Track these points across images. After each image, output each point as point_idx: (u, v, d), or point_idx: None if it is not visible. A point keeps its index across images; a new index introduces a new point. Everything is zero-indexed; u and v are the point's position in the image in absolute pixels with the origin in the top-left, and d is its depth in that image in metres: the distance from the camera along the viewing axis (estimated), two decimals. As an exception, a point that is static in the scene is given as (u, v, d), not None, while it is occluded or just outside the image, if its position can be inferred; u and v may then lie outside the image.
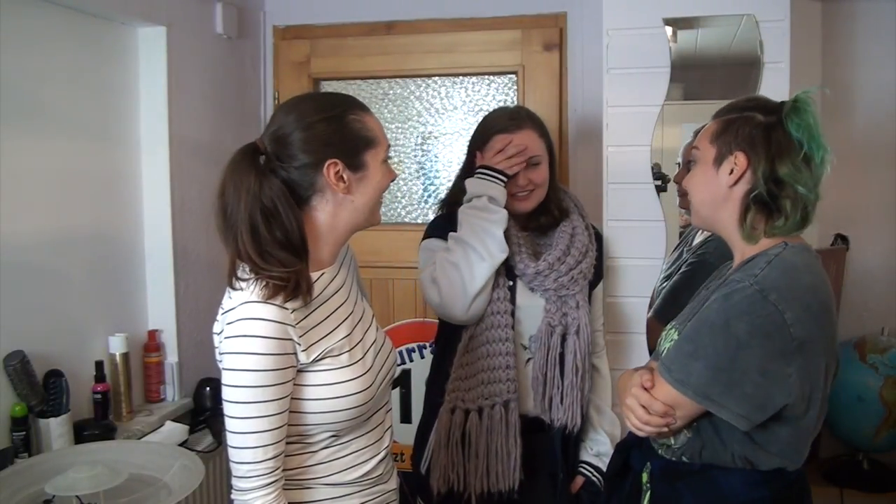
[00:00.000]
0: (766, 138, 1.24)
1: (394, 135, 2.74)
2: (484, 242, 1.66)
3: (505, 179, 1.70)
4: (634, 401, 1.27)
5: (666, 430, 1.25)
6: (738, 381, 1.17)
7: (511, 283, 1.74)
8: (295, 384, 1.19)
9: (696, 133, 1.40)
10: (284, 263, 1.15)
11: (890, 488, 2.33)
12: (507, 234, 1.74)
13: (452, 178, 1.95)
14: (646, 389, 1.26)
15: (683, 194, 1.39)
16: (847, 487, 2.31)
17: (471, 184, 1.72)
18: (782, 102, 1.28)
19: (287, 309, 1.15)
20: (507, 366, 1.70)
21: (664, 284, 2.11)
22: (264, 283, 1.14)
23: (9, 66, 1.75)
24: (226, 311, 1.17)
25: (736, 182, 1.26)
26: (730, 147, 1.26)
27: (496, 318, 1.70)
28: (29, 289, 1.81)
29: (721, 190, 1.28)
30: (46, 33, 1.87)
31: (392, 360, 1.38)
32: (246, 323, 1.14)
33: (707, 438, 1.25)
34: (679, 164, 2.11)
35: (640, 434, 1.29)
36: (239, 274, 1.17)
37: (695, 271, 2.00)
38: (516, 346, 1.73)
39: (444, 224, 1.79)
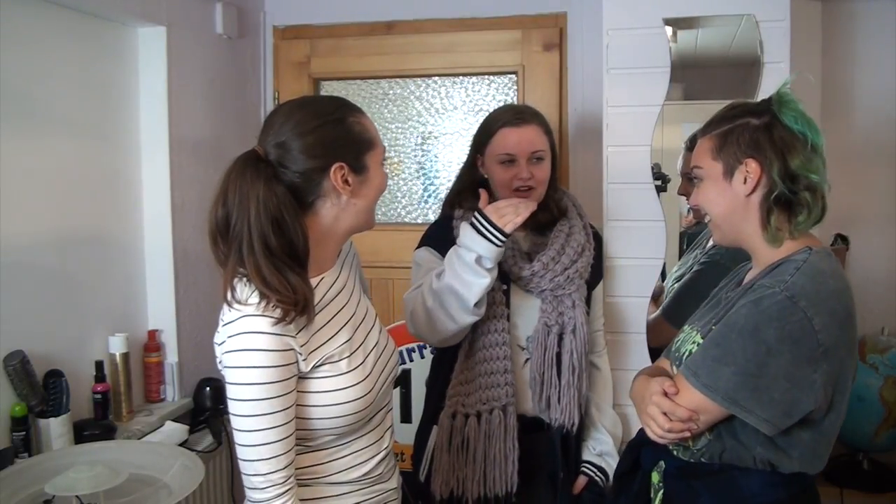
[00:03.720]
0: (769, 138, 1.24)
1: (394, 135, 2.74)
2: (458, 304, 1.57)
3: (504, 239, 1.54)
4: (656, 409, 1.25)
5: (688, 435, 1.24)
6: (767, 387, 1.16)
7: (505, 286, 1.73)
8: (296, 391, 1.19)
9: (689, 141, 1.40)
10: (294, 288, 1.14)
11: (890, 488, 2.32)
12: None
13: (452, 178, 1.95)
14: (666, 395, 1.24)
15: (695, 208, 1.39)
16: (847, 487, 2.30)
17: (464, 230, 1.57)
18: (765, 101, 1.28)
19: (286, 320, 1.14)
20: (504, 370, 1.70)
21: (674, 285, 2.11)
22: (272, 305, 1.12)
23: (9, 66, 1.75)
24: (226, 324, 1.16)
25: (753, 189, 1.26)
26: (736, 157, 1.26)
27: (492, 324, 1.70)
28: (29, 289, 1.81)
29: (739, 200, 1.27)
30: (46, 33, 1.87)
31: (394, 362, 1.37)
32: (247, 337, 1.13)
33: (728, 442, 1.25)
34: (679, 175, 2.11)
35: (662, 442, 1.28)
36: (238, 293, 1.15)
37: (704, 273, 2.00)
38: (513, 349, 1.73)
39: (439, 233, 1.79)
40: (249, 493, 1.17)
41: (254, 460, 1.15)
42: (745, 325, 1.18)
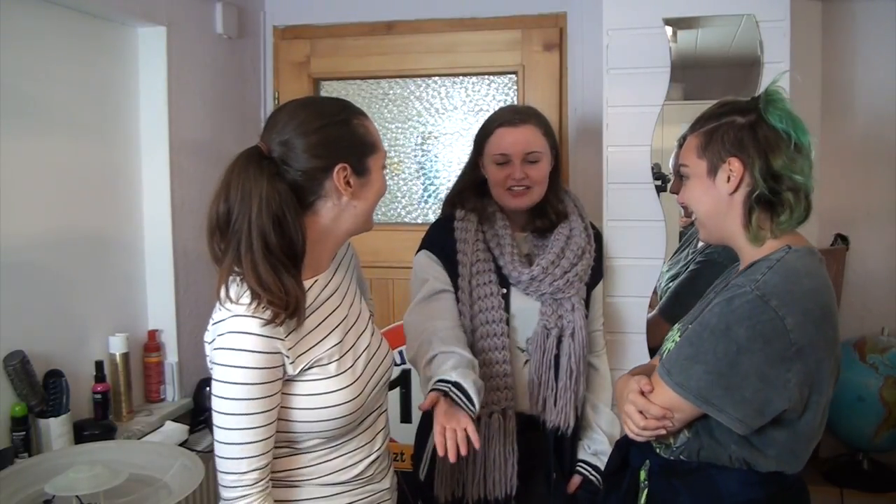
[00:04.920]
0: (753, 137, 1.24)
1: (394, 135, 2.74)
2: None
3: (474, 412, 1.37)
4: (632, 407, 1.27)
5: (663, 433, 1.25)
6: (738, 386, 1.17)
7: (505, 290, 1.73)
8: (283, 393, 1.19)
9: (682, 139, 1.40)
10: (287, 290, 1.13)
11: (890, 488, 2.32)
12: (501, 240, 1.74)
13: (452, 178, 1.95)
14: (642, 394, 1.26)
15: (683, 205, 1.39)
16: (847, 487, 2.31)
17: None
18: (754, 99, 1.28)
19: (276, 322, 1.14)
20: (504, 373, 1.70)
21: (670, 284, 2.11)
22: (263, 307, 1.13)
23: (9, 66, 1.75)
24: (216, 323, 1.17)
25: (736, 188, 1.25)
26: (720, 156, 1.26)
27: (491, 327, 1.70)
28: (29, 289, 1.81)
29: (722, 199, 1.27)
30: (46, 33, 1.87)
31: (387, 364, 1.37)
32: (235, 336, 1.13)
33: (705, 440, 1.26)
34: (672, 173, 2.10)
35: (639, 440, 1.29)
36: (232, 292, 1.15)
37: (701, 271, 2.01)
38: (512, 353, 1.73)
39: (438, 235, 1.79)
40: (221, 491, 1.17)
41: (229, 458, 1.15)
42: (717, 325, 1.19)
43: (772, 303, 1.16)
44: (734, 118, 1.26)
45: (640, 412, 1.25)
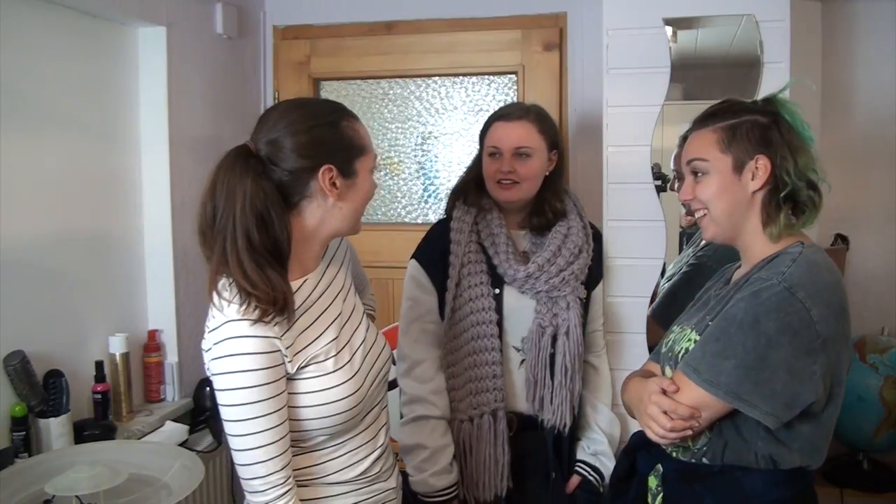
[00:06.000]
0: (780, 136, 1.25)
1: (394, 135, 2.74)
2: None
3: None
4: (656, 408, 1.24)
5: (690, 433, 1.23)
6: (768, 380, 1.16)
7: (497, 290, 1.73)
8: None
9: (683, 139, 1.39)
10: (273, 284, 1.14)
11: (890, 488, 2.32)
12: (496, 238, 1.74)
13: (452, 178, 1.95)
14: (665, 394, 1.23)
15: (687, 203, 1.35)
16: (847, 487, 2.30)
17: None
18: (766, 100, 1.29)
19: (270, 322, 1.14)
20: (493, 375, 1.70)
21: (665, 285, 2.11)
22: (252, 306, 1.13)
23: (9, 66, 1.75)
24: (211, 331, 1.17)
25: (762, 186, 1.26)
26: (748, 152, 1.26)
27: (482, 328, 1.71)
28: (29, 289, 1.81)
29: (745, 196, 1.27)
30: (46, 33, 1.87)
31: (385, 357, 1.37)
32: (232, 342, 1.13)
33: (730, 438, 1.24)
34: (674, 173, 2.10)
35: (663, 442, 1.27)
36: (221, 290, 1.16)
37: (693, 274, 2.00)
38: (503, 354, 1.73)
39: (432, 242, 1.80)
40: (250, 497, 1.17)
41: (251, 464, 1.14)
42: (745, 318, 1.18)
43: (799, 294, 1.16)
44: (756, 117, 1.27)
45: (665, 413, 1.23)
